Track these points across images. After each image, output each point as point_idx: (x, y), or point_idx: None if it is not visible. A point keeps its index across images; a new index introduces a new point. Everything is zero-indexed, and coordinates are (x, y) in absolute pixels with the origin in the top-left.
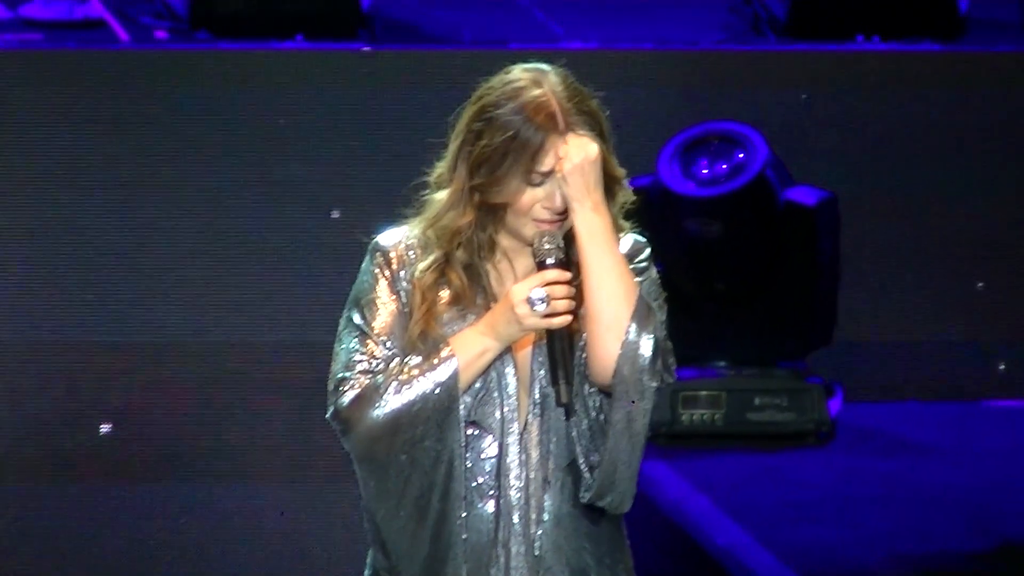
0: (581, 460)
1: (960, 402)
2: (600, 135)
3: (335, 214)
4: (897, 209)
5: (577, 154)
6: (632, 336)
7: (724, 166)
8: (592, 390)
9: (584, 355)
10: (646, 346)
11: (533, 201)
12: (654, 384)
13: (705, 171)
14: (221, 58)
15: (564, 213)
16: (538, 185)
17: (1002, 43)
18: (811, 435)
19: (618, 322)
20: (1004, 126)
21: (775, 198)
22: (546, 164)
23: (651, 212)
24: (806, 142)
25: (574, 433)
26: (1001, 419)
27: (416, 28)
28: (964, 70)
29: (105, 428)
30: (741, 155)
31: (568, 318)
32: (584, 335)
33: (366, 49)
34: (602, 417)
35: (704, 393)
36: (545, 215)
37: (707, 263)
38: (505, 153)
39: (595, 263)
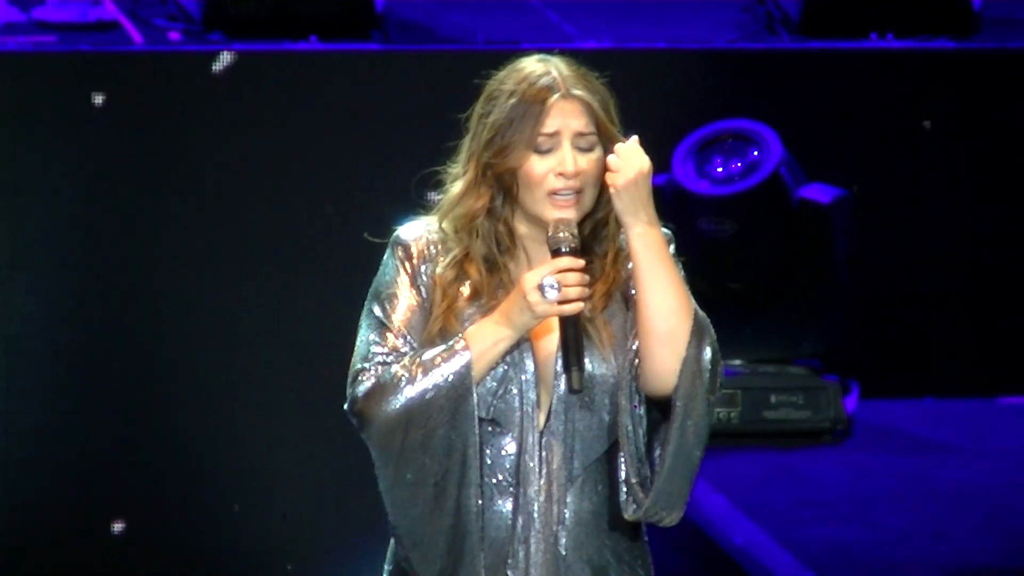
0: (634, 479)
1: (976, 399)
2: (605, 109)
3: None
4: (911, 206)
5: (630, 168)
6: (692, 350)
7: (738, 164)
8: (641, 408)
9: (636, 369)
10: (706, 359)
11: (545, 170)
12: (712, 397)
13: (719, 169)
14: (234, 59)
15: (577, 177)
16: (546, 152)
17: (1015, 40)
18: (827, 433)
19: (677, 337)
20: (1018, 123)
21: (789, 196)
22: (549, 125)
23: (665, 211)
24: (820, 140)
25: (623, 451)
26: (1018, 417)
27: (429, 29)
28: (978, 67)
29: None
30: (755, 153)
31: (580, 305)
32: (633, 346)
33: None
34: (644, 434)
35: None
36: (559, 183)
37: (722, 262)
38: (511, 120)
39: (652, 278)
